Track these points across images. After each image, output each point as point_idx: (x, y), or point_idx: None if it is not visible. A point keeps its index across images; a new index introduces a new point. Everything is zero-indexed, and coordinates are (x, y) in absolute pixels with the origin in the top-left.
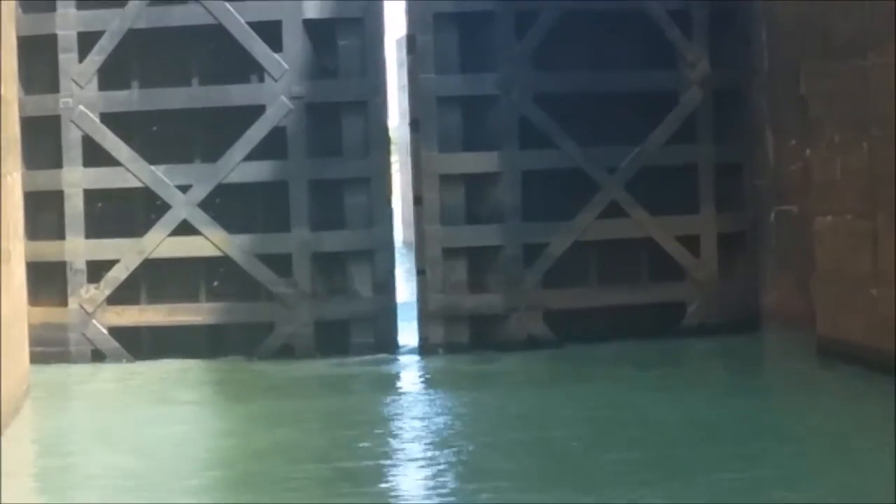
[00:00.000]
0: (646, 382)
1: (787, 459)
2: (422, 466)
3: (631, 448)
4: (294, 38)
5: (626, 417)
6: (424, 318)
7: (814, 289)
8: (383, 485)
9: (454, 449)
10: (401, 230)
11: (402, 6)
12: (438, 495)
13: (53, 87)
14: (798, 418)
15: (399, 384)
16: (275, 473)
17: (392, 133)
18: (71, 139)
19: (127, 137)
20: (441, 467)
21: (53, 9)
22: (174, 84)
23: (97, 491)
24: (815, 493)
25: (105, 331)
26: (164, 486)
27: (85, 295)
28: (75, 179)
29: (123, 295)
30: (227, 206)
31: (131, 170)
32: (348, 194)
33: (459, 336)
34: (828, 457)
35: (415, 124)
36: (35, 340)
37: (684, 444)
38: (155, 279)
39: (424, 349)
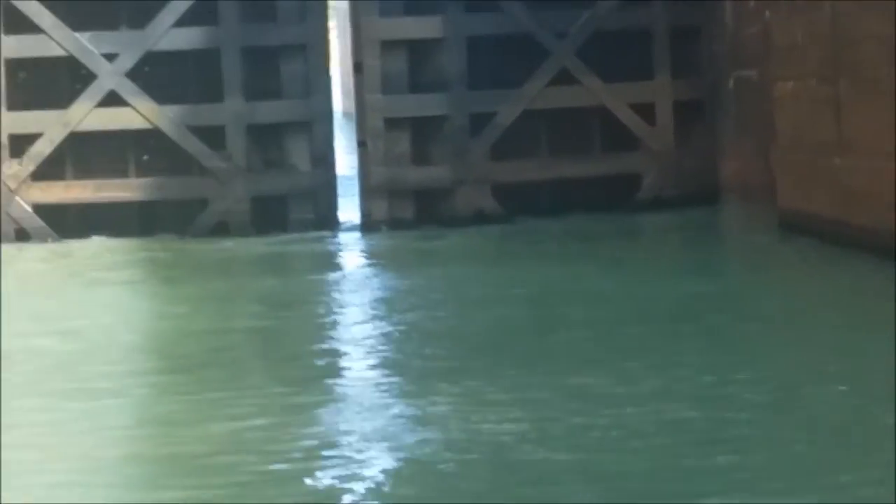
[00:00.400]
0: (599, 259)
1: (746, 338)
2: (365, 349)
3: (584, 326)
4: None
5: (580, 295)
6: (366, 192)
7: (774, 158)
8: (317, 372)
9: (395, 331)
10: (340, 100)
11: None
12: (381, 385)
13: None
14: (757, 295)
15: (340, 262)
16: (207, 355)
17: None
18: None
19: (49, 3)
20: (382, 355)
21: None
22: None
23: (21, 375)
24: (775, 370)
25: (29, 208)
26: (90, 369)
27: (7, 171)
28: None
29: (48, 170)
30: (156, 75)
31: (54, 37)
32: (284, 62)
33: (403, 211)
34: (789, 335)
35: None
36: None
37: (639, 322)
38: (81, 153)
39: (366, 225)
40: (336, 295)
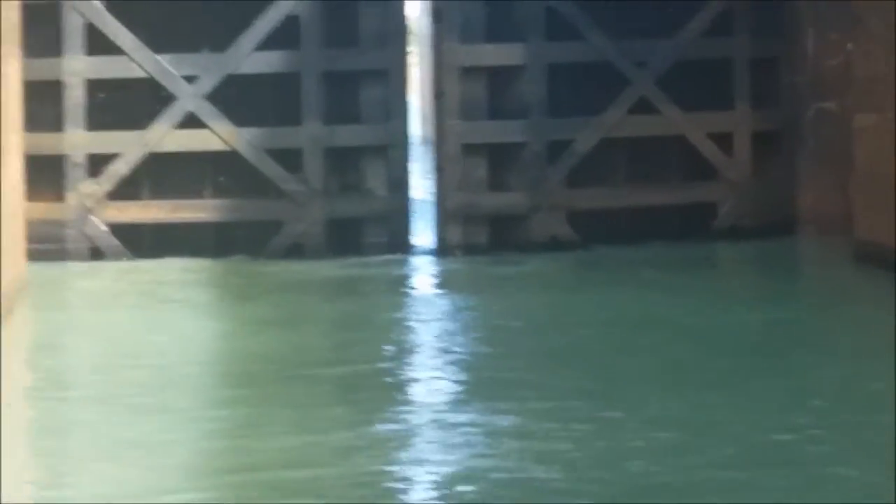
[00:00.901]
0: (675, 287)
1: (821, 369)
2: (432, 374)
3: (659, 355)
4: None
5: (655, 323)
6: (442, 217)
7: (852, 191)
8: (388, 391)
9: (470, 355)
10: (418, 125)
11: None
12: (451, 403)
13: None
14: (832, 327)
15: (413, 286)
16: (274, 375)
17: (411, 24)
18: (72, 26)
19: (131, 24)
20: (453, 374)
21: None
22: None
23: (91, 389)
24: (850, 401)
25: (105, 227)
26: (160, 385)
27: (84, 190)
28: (76, 68)
29: (125, 190)
30: (235, 98)
31: (135, 59)
32: (364, 87)
33: (478, 237)
34: (863, 367)
35: (437, 14)
36: (32, 237)
37: (715, 351)
38: (158, 174)
39: (441, 250)
40: (408, 318)
